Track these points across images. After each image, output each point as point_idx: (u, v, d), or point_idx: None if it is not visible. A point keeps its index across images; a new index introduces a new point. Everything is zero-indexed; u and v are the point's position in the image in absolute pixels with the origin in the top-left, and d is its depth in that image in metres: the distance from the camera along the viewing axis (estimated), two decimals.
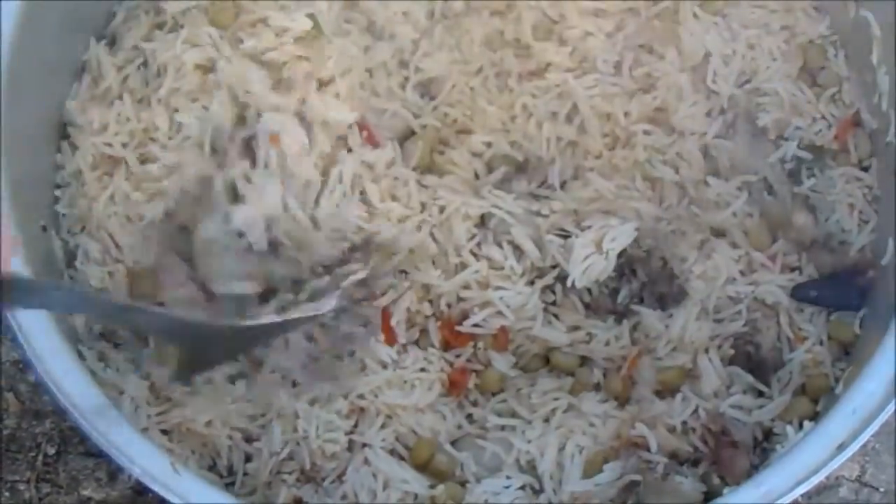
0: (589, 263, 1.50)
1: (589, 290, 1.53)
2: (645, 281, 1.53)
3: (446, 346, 1.53)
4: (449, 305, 1.53)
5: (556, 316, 1.54)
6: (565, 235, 1.52)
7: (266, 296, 1.47)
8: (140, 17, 1.62)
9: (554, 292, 1.54)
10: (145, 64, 1.60)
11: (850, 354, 1.52)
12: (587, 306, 1.53)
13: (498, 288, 1.51)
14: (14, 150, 1.43)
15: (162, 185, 1.53)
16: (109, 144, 1.56)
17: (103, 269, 1.52)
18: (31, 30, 1.47)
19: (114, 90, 1.58)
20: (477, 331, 1.52)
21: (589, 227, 1.51)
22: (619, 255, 1.51)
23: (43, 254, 1.50)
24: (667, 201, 1.56)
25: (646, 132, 1.58)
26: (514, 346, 1.54)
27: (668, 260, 1.54)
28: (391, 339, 1.50)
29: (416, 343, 1.52)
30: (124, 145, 1.56)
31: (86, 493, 1.66)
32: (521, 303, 1.51)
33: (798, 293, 1.54)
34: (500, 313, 1.51)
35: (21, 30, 1.45)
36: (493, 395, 1.52)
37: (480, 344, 1.52)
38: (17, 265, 1.37)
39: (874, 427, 1.31)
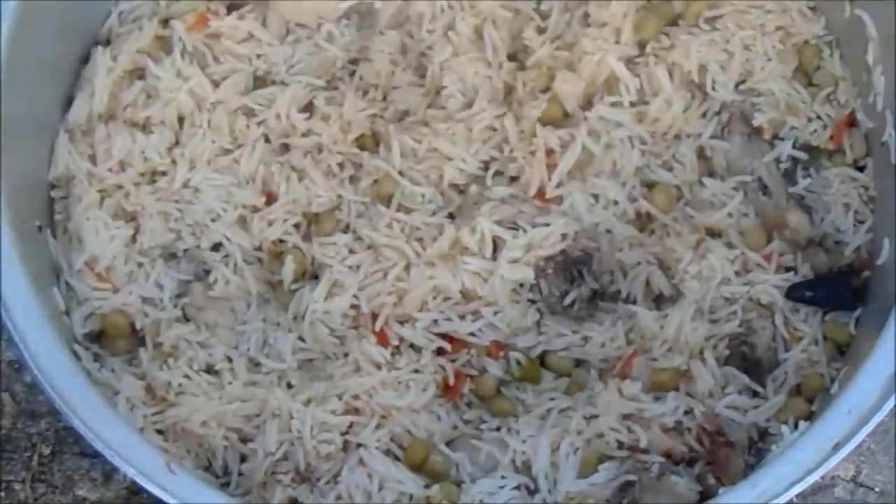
0: (513, 268, 1.51)
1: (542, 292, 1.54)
2: (595, 288, 1.53)
3: (440, 352, 1.53)
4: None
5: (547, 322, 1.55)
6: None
7: None
8: (142, 21, 1.62)
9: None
10: (142, 77, 1.61)
11: (846, 354, 1.52)
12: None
13: (490, 304, 1.53)
14: (10, 148, 1.43)
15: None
16: (110, 170, 1.57)
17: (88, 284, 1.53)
18: (28, 30, 1.47)
19: (108, 111, 1.60)
20: (471, 339, 1.53)
21: (524, 231, 1.52)
22: (562, 255, 1.52)
23: (39, 254, 1.50)
24: (658, 204, 1.57)
25: (643, 141, 1.59)
26: (508, 351, 1.54)
27: (621, 263, 1.54)
28: (383, 341, 1.51)
29: (411, 345, 1.52)
30: (112, 171, 1.57)
31: (81, 493, 1.66)
32: (515, 313, 1.52)
33: (793, 293, 1.54)
34: (493, 325, 1.52)
35: (19, 30, 1.45)
36: (489, 399, 1.52)
37: (473, 351, 1.53)
38: (15, 266, 1.38)
39: (869, 427, 1.31)
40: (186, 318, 1.55)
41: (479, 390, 1.52)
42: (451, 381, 1.51)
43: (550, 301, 1.53)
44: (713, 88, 1.60)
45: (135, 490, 1.65)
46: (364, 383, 1.48)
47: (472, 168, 1.59)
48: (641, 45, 1.63)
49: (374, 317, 1.51)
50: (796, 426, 1.43)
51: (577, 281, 1.53)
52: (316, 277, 1.56)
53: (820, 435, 1.32)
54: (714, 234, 1.57)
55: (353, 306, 1.53)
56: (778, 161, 1.59)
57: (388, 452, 1.48)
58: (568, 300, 1.53)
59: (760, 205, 1.56)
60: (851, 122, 1.61)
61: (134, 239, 1.56)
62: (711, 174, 1.59)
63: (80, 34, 1.62)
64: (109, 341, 1.53)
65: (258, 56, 1.63)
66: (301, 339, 1.53)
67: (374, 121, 1.62)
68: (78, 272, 1.52)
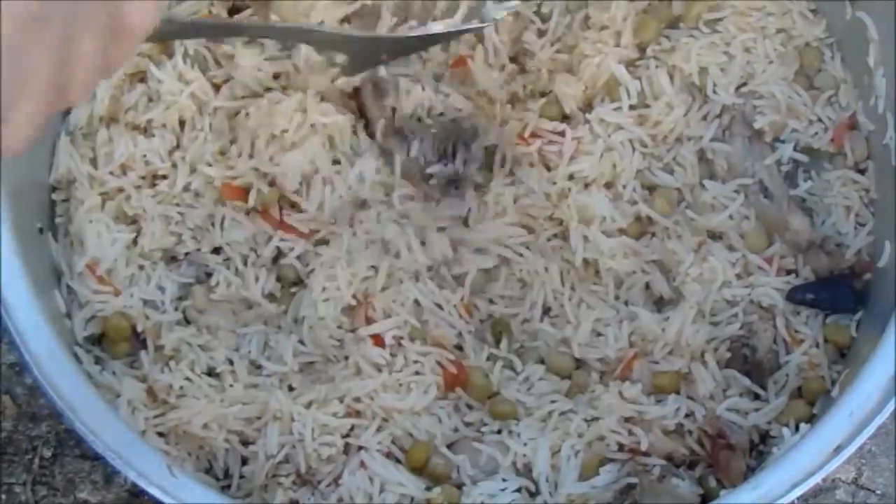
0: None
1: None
2: (466, 157, 1.54)
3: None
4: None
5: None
6: None
7: None
8: None
9: None
10: (143, 80, 1.61)
11: (847, 357, 1.52)
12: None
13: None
14: None
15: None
16: (111, 173, 1.57)
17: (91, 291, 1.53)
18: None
19: (109, 114, 1.59)
20: None
21: None
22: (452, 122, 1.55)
23: (40, 256, 1.50)
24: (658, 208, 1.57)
25: (644, 144, 1.59)
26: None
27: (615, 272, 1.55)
28: (379, 342, 1.50)
29: (411, 338, 1.52)
30: (114, 174, 1.57)
31: (82, 495, 1.66)
32: None
33: (794, 296, 1.54)
34: None
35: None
36: (488, 398, 1.52)
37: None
38: (16, 268, 1.38)
39: (871, 430, 1.31)
40: (188, 321, 1.55)
41: (472, 392, 1.52)
42: (456, 369, 1.51)
43: (410, 166, 1.55)
44: (714, 91, 1.60)
45: (136, 492, 1.65)
46: (365, 386, 1.48)
47: None
48: (642, 48, 1.63)
49: (368, 319, 1.52)
50: (797, 429, 1.43)
51: (445, 159, 1.54)
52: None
53: (821, 437, 1.32)
54: (715, 236, 1.57)
55: (351, 307, 1.53)
56: (779, 163, 1.59)
57: (389, 455, 1.48)
58: (429, 171, 1.54)
59: (761, 207, 1.56)
60: (852, 125, 1.61)
61: (135, 242, 1.56)
62: (712, 177, 1.59)
63: None
64: (111, 344, 1.53)
65: None
66: (301, 342, 1.53)
67: None
68: (79, 275, 1.52)
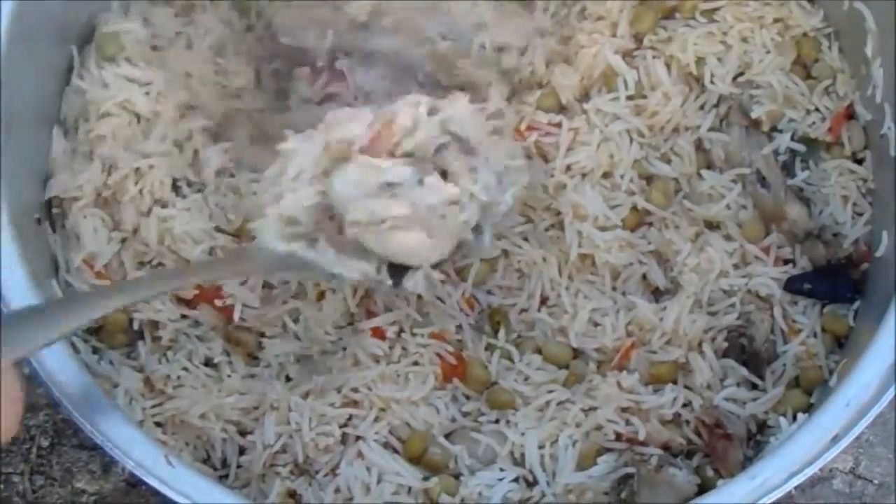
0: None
1: None
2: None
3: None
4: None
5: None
6: None
7: None
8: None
9: None
10: None
11: (844, 347, 1.52)
12: None
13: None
14: (9, 141, 1.43)
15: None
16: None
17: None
18: (29, 27, 1.47)
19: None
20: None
21: None
22: None
23: (38, 247, 1.50)
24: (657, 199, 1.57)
25: (641, 134, 1.58)
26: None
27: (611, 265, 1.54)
28: (379, 333, 1.50)
29: (412, 332, 1.52)
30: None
31: (79, 485, 1.66)
32: None
33: (792, 285, 1.54)
34: None
35: (16, 29, 1.45)
36: (486, 388, 1.52)
37: None
38: (14, 257, 1.38)
39: (868, 419, 1.31)
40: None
41: (469, 380, 1.52)
42: (454, 359, 1.51)
43: None
44: (711, 81, 1.60)
45: (133, 483, 1.65)
46: (363, 376, 1.48)
47: None
48: (638, 39, 1.63)
49: (370, 314, 1.52)
50: (795, 418, 1.43)
51: None
52: None
53: (818, 427, 1.32)
54: (712, 226, 1.57)
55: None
56: (776, 153, 1.59)
57: (386, 445, 1.48)
58: None
59: (759, 197, 1.56)
60: (850, 115, 1.61)
61: (134, 233, 1.55)
62: (710, 166, 1.59)
63: (77, 35, 1.61)
64: (108, 335, 1.53)
65: None
66: (297, 337, 1.53)
67: None
68: (76, 269, 1.52)
